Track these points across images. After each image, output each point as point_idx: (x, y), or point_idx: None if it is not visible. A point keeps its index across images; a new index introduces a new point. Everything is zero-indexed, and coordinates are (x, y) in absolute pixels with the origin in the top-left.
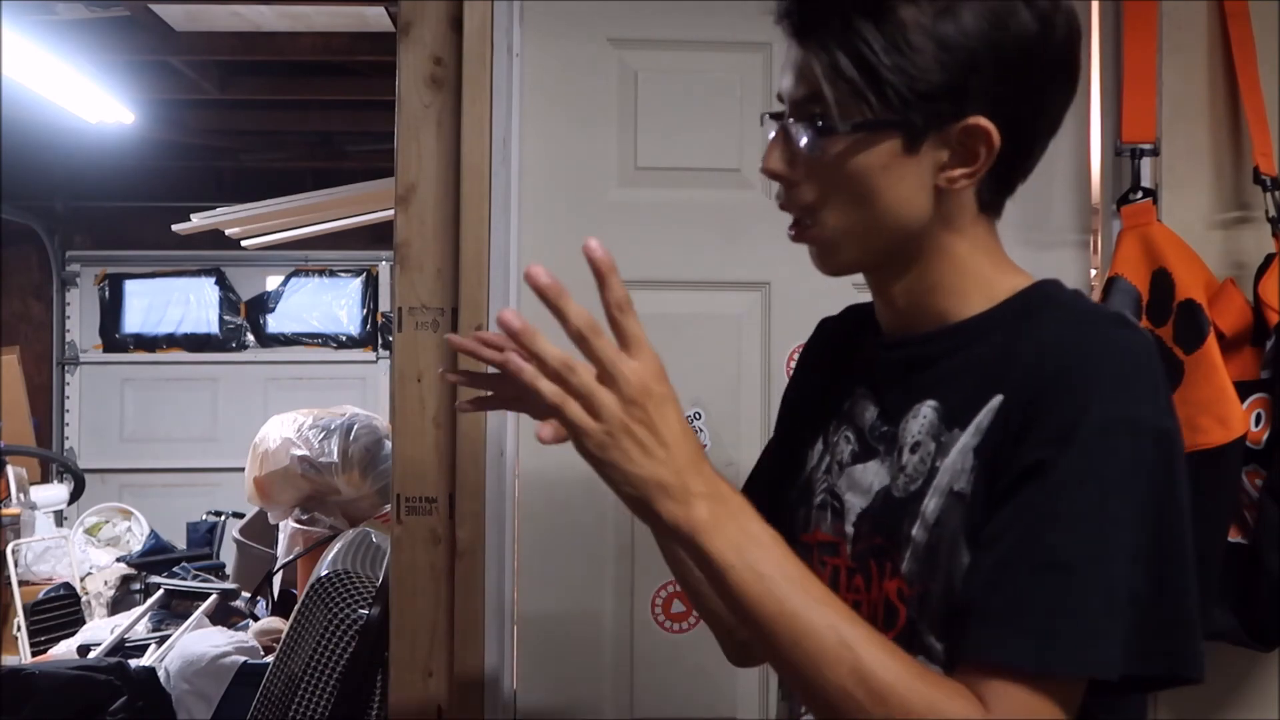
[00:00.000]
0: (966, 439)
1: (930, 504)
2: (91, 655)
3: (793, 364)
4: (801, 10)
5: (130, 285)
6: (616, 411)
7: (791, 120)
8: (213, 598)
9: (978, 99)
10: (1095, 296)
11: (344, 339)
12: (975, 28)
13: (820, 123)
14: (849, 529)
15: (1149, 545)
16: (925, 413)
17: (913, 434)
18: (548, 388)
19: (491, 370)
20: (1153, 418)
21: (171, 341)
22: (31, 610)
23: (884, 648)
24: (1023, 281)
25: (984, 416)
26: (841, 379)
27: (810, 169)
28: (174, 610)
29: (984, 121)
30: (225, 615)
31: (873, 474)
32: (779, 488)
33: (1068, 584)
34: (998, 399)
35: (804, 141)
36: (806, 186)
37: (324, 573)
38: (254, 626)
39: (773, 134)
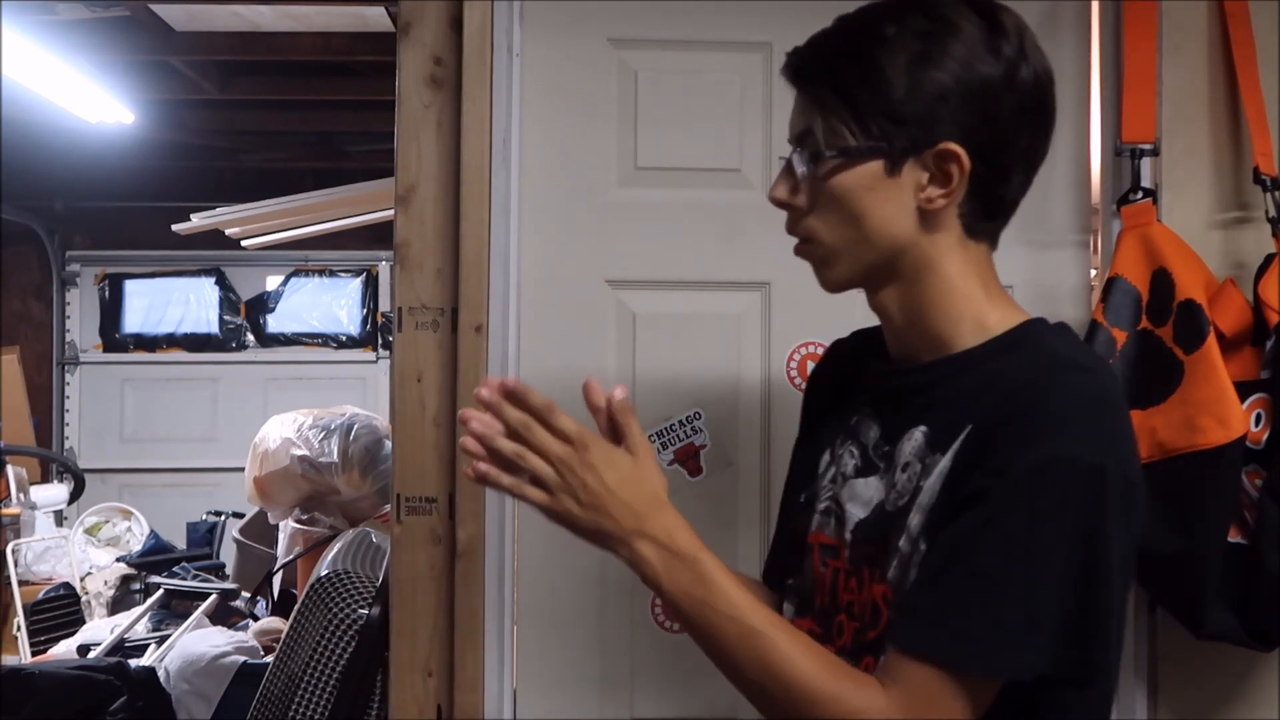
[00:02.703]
0: (944, 464)
1: (914, 520)
2: (91, 655)
3: (792, 364)
4: (797, 61)
5: (130, 285)
6: (563, 464)
7: (793, 152)
8: (213, 598)
9: (948, 126)
10: (1095, 296)
11: (344, 339)
12: (944, 68)
13: (813, 151)
14: (848, 535)
15: (1076, 569)
16: (917, 436)
17: (905, 455)
18: (506, 445)
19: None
20: (1087, 456)
21: (171, 341)
22: (31, 610)
23: (797, 644)
24: (1014, 316)
25: (958, 444)
26: (848, 398)
27: (809, 194)
28: (174, 610)
29: (954, 146)
30: (225, 615)
31: (872, 488)
32: (802, 489)
33: (988, 593)
34: (969, 428)
35: (801, 170)
36: (805, 210)
37: (324, 573)
38: (254, 626)
39: (781, 168)
